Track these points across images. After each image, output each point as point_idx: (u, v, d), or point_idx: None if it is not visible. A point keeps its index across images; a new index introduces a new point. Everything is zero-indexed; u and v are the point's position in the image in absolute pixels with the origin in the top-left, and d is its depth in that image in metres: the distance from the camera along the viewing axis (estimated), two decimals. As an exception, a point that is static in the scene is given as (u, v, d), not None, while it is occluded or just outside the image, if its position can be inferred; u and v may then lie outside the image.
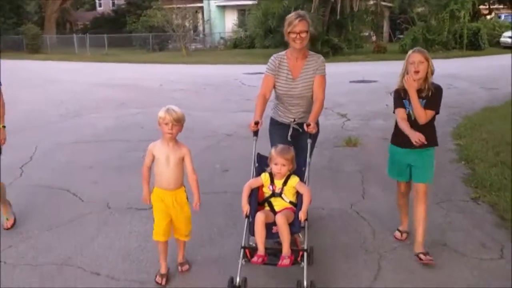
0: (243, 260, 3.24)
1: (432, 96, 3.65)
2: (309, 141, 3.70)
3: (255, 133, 3.75)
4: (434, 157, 3.82)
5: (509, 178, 5.34)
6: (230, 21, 36.58)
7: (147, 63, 24.24)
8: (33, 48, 33.23)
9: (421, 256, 3.70)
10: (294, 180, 3.45)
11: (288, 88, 3.97)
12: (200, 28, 37.80)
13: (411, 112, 3.69)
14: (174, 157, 3.43)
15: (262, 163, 3.65)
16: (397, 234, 4.19)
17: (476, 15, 28.69)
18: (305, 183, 3.54)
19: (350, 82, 14.81)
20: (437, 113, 3.71)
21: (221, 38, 35.76)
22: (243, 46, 32.81)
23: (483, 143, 6.79)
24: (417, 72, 3.60)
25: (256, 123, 3.70)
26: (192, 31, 33.83)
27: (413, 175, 3.86)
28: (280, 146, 3.49)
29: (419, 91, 3.63)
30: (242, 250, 3.26)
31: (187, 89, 14.33)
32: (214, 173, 6.17)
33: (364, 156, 6.82)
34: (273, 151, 3.46)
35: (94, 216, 4.80)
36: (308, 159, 3.66)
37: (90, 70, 21.12)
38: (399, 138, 3.82)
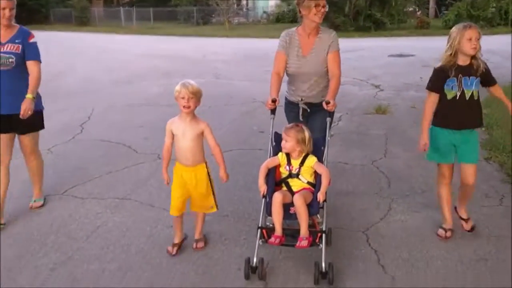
0: (260, 240, 3.20)
1: (486, 72, 3.52)
2: (328, 119, 3.61)
3: (273, 111, 3.67)
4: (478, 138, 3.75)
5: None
6: (274, -5, 36.73)
7: (191, 36, 24.97)
8: (82, 21, 34.50)
9: (463, 223, 3.88)
10: (311, 160, 3.38)
11: (299, 65, 3.83)
12: (244, 2, 38.15)
13: (458, 92, 3.49)
14: (191, 132, 3.39)
15: (279, 143, 3.55)
16: (441, 232, 3.81)
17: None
18: (323, 163, 3.47)
19: (389, 56, 15.05)
20: (496, 82, 3.65)
21: (264, 12, 35.98)
22: (286, 20, 32.96)
23: (504, 112, 7.10)
24: (475, 48, 3.41)
25: (274, 101, 3.60)
26: (235, 5, 34.30)
27: (460, 156, 3.65)
28: (291, 124, 3.48)
29: (471, 69, 3.47)
30: (259, 231, 3.22)
31: (228, 60, 14.97)
32: (251, 134, 6.81)
33: (391, 122, 7.31)
34: (283, 129, 3.44)
35: (147, 165, 5.56)
36: (327, 138, 3.59)
37: (136, 42, 22.09)
38: (443, 119, 3.62)
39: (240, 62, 14.45)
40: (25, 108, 3.87)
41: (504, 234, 3.83)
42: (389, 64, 13.34)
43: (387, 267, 3.42)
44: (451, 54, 3.47)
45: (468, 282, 3.24)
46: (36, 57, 4.14)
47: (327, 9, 3.70)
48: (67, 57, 15.87)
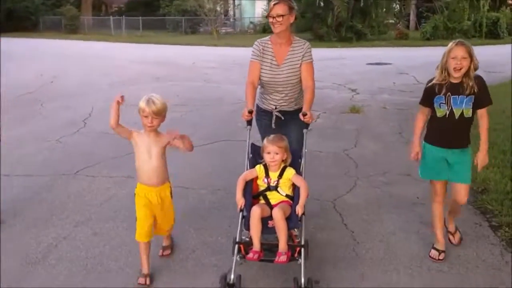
0: (238, 256, 3.11)
1: (480, 91, 3.34)
2: (305, 131, 3.60)
3: (249, 122, 3.62)
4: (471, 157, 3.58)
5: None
6: (260, 6, 37.63)
7: (180, 45, 25.74)
8: (72, 29, 35.07)
9: (450, 237, 3.87)
10: (289, 172, 3.32)
11: (273, 75, 3.77)
12: (231, 12, 39.14)
13: (448, 111, 3.39)
14: (156, 148, 3.29)
15: (256, 154, 3.52)
16: (434, 253, 3.67)
17: (500, 4, 29.03)
18: (301, 175, 3.44)
19: (367, 64, 16.01)
20: (491, 103, 3.44)
21: (251, 22, 36.93)
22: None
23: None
24: (459, 69, 3.28)
25: (250, 112, 3.55)
26: (223, 15, 35.26)
27: (452, 175, 3.54)
28: (272, 135, 3.39)
29: (461, 87, 3.33)
30: (236, 246, 3.12)
31: (217, 67, 15.79)
32: (237, 129, 7.58)
33: (363, 120, 8.17)
34: (265, 140, 3.36)
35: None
36: (304, 150, 3.57)
37: (127, 50, 22.79)
38: (434, 137, 3.56)
39: (227, 69, 15.27)
40: None
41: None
42: (367, 71, 14.28)
43: (348, 225, 4.23)
44: (441, 72, 3.37)
45: (412, 229, 4.06)
46: None
47: (287, 19, 3.62)
48: (60, 63, 16.55)
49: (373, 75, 13.41)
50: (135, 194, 3.39)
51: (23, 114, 8.49)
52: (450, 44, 3.37)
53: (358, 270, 3.52)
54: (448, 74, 3.36)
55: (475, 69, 3.36)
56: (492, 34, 26.49)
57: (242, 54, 21.67)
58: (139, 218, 3.33)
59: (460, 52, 3.28)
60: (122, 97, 3.25)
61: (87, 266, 3.58)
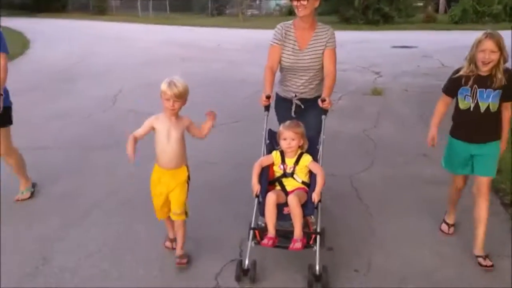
0: (253, 242, 3.10)
1: (508, 84, 3.19)
2: (323, 117, 3.54)
3: (266, 107, 3.57)
4: (499, 150, 3.43)
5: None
6: (286, -12, 37.54)
7: (206, 27, 25.90)
8: (100, 10, 35.59)
9: (481, 260, 3.39)
10: (306, 159, 3.30)
11: (295, 60, 3.71)
12: (257, -6, 38.98)
13: (472, 104, 3.27)
14: (176, 132, 3.23)
15: (273, 140, 3.50)
16: (444, 227, 3.83)
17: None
18: (318, 162, 3.39)
19: (392, 47, 15.92)
20: None
21: (277, 4, 36.78)
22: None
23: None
24: (487, 63, 3.15)
25: (268, 97, 3.49)
26: (248, -3, 35.19)
27: (476, 168, 3.41)
28: (288, 121, 3.36)
29: (489, 81, 3.20)
30: (251, 232, 3.11)
31: (241, 49, 15.95)
32: (259, 109, 7.79)
33: (385, 102, 8.27)
34: (281, 126, 3.33)
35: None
36: (322, 136, 3.51)
37: (154, 31, 23.08)
38: (460, 131, 3.44)
39: (251, 51, 15.39)
40: None
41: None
42: (391, 54, 14.23)
43: (363, 199, 4.44)
44: (469, 64, 3.23)
45: (425, 206, 4.24)
46: (3, 49, 3.86)
47: (311, 3, 3.55)
48: (90, 43, 16.95)
49: (397, 58, 13.37)
50: (151, 176, 3.35)
51: (55, 92, 8.87)
52: (480, 35, 3.18)
53: (371, 241, 3.73)
54: (476, 66, 3.22)
55: (505, 61, 3.18)
56: (524, 18, 25.82)
57: (267, 36, 21.58)
58: (153, 199, 3.39)
59: (489, 45, 3.11)
60: (135, 138, 3.17)
61: (118, 231, 3.89)
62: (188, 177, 3.36)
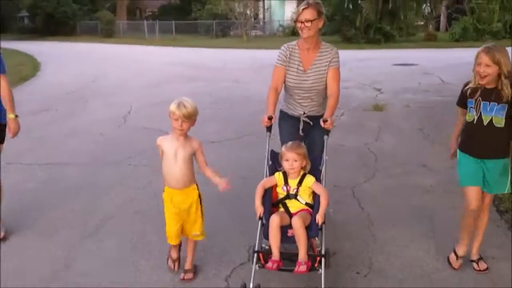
0: (257, 265, 3.08)
1: None
2: (325, 137, 3.52)
3: (269, 128, 3.56)
4: (508, 169, 3.38)
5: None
6: (290, 9, 38.00)
7: (211, 48, 26.42)
8: (108, 33, 36.45)
9: (474, 265, 3.55)
10: (309, 179, 3.28)
11: (299, 81, 3.73)
12: (261, 16, 39.70)
13: (476, 116, 3.27)
14: (183, 153, 3.24)
15: (275, 161, 3.48)
16: (453, 258, 3.62)
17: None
18: (321, 182, 3.38)
19: (393, 65, 16.26)
20: None
21: (280, 25, 37.37)
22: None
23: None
24: (483, 77, 3.16)
25: (270, 118, 3.51)
26: (253, 19, 35.84)
27: (486, 186, 3.37)
28: (290, 142, 3.35)
29: (494, 94, 3.20)
30: (255, 255, 3.10)
31: (246, 68, 16.32)
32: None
33: (386, 117, 8.53)
34: (283, 148, 3.32)
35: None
36: (324, 157, 3.48)
37: (160, 52, 23.61)
38: (470, 146, 3.40)
39: (256, 70, 15.75)
40: (13, 128, 3.86)
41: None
42: (392, 72, 14.55)
43: (365, 209, 4.66)
44: (474, 76, 3.25)
45: (424, 213, 4.46)
46: (2, 70, 3.85)
47: (316, 24, 3.58)
48: (99, 65, 17.41)
49: (398, 76, 13.69)
50: (163, 198, 3.39)
51: (68, 111, 9.22)
52: (480, 49, 3.22)
53: (372, 246, 3.95)
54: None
55: (506, 76, 3.14)
56: (523, 35, 26.16)
57: (271, 56, 22.07)
58: (167, 222, 3.39)
59: (484, 59, 3.14)
60: None
61: (133, 240, 4.13)
62: (199, 196, 3.38)
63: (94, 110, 9.39)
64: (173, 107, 3.17)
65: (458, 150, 3.49)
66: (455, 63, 15.85)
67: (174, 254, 3.59)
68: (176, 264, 3.59)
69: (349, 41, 25.98)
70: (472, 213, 3.42)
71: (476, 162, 3.34)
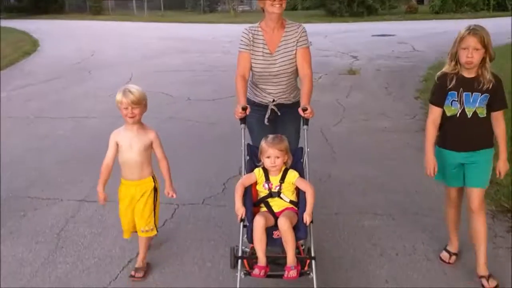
0: (242, 273, 2.81)
1: (495, 89, 2.92)
2: (305, 127, 3.23)
3: (243, 120, 3.26)
4: (492, 160, 3.11)
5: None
6: (275, -16, 38.84)
7: (199, 23, 27.24)
8: (96, 10, 36.82)
9: (484, 282, 3.08)
10: (292, 175, 3.01)
11: (266, 65, 3.42)
12: (247, -9, 40.38)
13: (459, 110, 2.98)
14: (139, 144, 3.09)
15: (253, 156, 3.18)
16: (445, 255, 3.39)
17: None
18: (303, 177, 3.08)
19: (372, 35, 17.40)
20: (506, 107, 3.02)
21: (267, 0, 38.15)
22: (287, 8, 35.07)
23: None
24: (470, 62, 2.85)
25: (244, 109, 3.22)
26: (239, -6, 36.56)
27: (466, 179, 3.11)
28: (270, 136, 3.03)
29: (476, 83, 2.92)
30: (239, 261, 2.84)
31: (234, 41, 17.22)
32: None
33: (358, 79, 9.75)
34: (263, 142, 3.01)
35: (179, 104, 8.01)
36: (306, 149, 3.16)
37: (150, 28, 24.40)
38: (447, 140, 3.12)
39: (244, 42, 16.82)
40: None
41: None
42: (370, 42, 15.70)
43: (330, 142, 5.89)
44: (451, 61, 2.96)
45: (379, 144, 5.70)
46: None
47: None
48: (94, 41, 18.27)
49: (375, 45, 14.83)
50: (119, 190, 3.24)
51: (77, 79, 10.31)
52: (462, 31, 2.88)
53: (332, 165, 5.17)
54: (459, 65, 2.95)
55: (491, 59, 2.89)
56: (500, 7, 27.30)
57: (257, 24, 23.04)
58: (122, 218, 3.25)
59: (472, 42, 2.81)
60: (107, 169, 3.14)
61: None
62: (155, 189, 3.21)
63: (99, 78, 10.47)
64: (119, 96, 3.03)
65: (437, 147, 3.17)
66: (429, 33, 17.07)
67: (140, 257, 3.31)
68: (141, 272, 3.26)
69: (333, 15, 27.00)
70: (456, 208, 3.30)
71: (459, 159, 3.08)
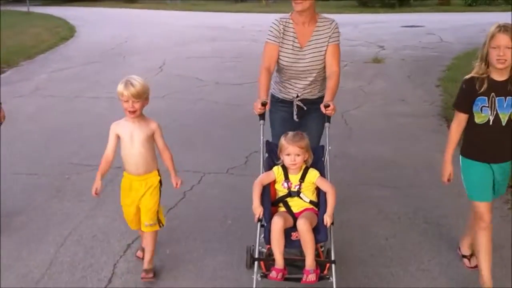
0: (259, 275, 2.72)
1: None
2: (327, 124, 3.09)
3: (262, 116, 3.14)
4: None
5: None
6: (307, -26, 38.84)
7: (230, 12, 27.66)
8: (136, -2, 37.70)
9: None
10: (313, 174, 2.90)
11: (295, 59, 3.31)
12: (279, -19, 40.52)
13: (492, 117, 2.73)
14: (140, 135, 2.99)
15: (272, 153, 3.08)
16: (467, 262, 3.25)
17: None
18: (324, 176, 2.96)
19: (401, 26, 17.45)
20: None
21: (298, -10, 38.20)
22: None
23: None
24: (502, 61, 2.62)
25: (264, 104, 3.09)
26: (271, -16, 36.75)
27: (495, 192, 2.93)
28: (290, 133, 2.93)
29: (507, 86, 2.70)
30: (256, 263, 2.74)
31: (263, 30, 17.48)
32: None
33: (382, 67, 9.98)
34: (282, 139, 2.90)
35: (210, 86, 8.46)
36: (327, 148, 3.05)
37: (183, 17, 24.96)
38: (472, 149, 2.89)
39: (273, 31, 17.15)
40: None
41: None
42: (399, 33, 15.77)
43: (349, 124, 6.23)
44: (481, 63, 2.72)
45: (395, 125, 6.01)
46: None
47: None
48: (128, 28, 18.90)
49: (403, 36, 14.92)
50: (121, 185, 3.13)
51: (112, 63, 10.88)
52: (493, 28, 2.66)
53: (348, 144, 5.52)
54: (489, 66, 2.71)
55: None
56: (536, -1, 26.73)
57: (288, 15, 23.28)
58: (123, 209, 3.15)
59: (503, 40, 2.60)
60: (107, 163, 3.07)
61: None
62: (160, 183, 3.13)
63: (133, 63, 11.00)
64: (120, 87, 2.93)
65: (463, 158, 2.93)
66: (459, 25, 16.99)
67: (144, 241, 3.24)
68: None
69: (365, 5, 26.97)
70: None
71: (487, 171, 2.85)
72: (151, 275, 3.09)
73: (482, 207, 2.86)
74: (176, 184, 3.12)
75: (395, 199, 4.21)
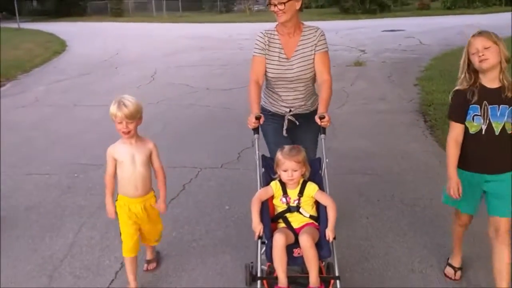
0: None
1: None
2: (322, 136, 3.08)
3: (256, 130, 3.13)
4: None
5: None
6: (290, -17, 39.64)
7: (216, 23, 28.26)
8: (117, 12, 38.16)
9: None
10: (311, 188, 2.86)
11: (282, 70, 3.28)
12: (262, -10, 41.30)
13: (484, 126, 2.69)
14: (141, 156, 2.97)
15: (268, 168, 3.04)
16: (449, 271, 3.21)
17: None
18: (323, 189, 2.92)
19: (382, 31, 18.11)
20: None
21: (282, -1, 38.96)
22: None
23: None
24: (484, 60, 2.60)
25: (258, 118, 3.09)
26: (255, -7, 37.49)
27: (490, 206, 2.82)
28: (286, 147, 2.88)
29: (502, 94, 2.64)
30: (259, 282, 2.69)
31: (250, 38, 18.14)
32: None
33: (363, 70, 10.56)
34: (279, 154, 2.85)
35: (199, 93, 8.91)
36: (324, 161, 3.01)
37: (170, 29, 25.46)
38: (470, 160, 2.80)
39: (259, 40, 17.69)
40: None
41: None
42: (379, 37, 16.45)
43: (332, 122, 6.66)
44: (465, 75, 2.71)
45: (379, 122, 6.50)
46: None
47: (292, 5, 3.14)
48: (117, 41, 19.33)
49: (384, 39, 15.57)
50: (116, 207, 3.04)
51: (106, 73, 11.32)
52: (469, 39, 2.69)
53: (333, 140, 5.98)
54: (475, 73, 2.69)
55: (507, 61, 2.64)
56: (513, 1, 27.62)
57: (273, 26, 23.82)
58: (124, 232, 3.03)
59: (479, 43, 2.62)
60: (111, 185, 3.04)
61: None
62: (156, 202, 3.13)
63: (125, 73, 11.45)
64: (113, 109, 2.87)
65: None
66: (437, 28, 17.73)
67: (132, 284, 3.07)
68: (150, 265, 3.36)
69: (346, 12, 27.73)
70: (463, 228, 3.08)
71: (481, 182, 2.80)
72: (154, 264, 3.36)
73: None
74: (160, 207, 3.11)
75: (375, 184, 4.67)
